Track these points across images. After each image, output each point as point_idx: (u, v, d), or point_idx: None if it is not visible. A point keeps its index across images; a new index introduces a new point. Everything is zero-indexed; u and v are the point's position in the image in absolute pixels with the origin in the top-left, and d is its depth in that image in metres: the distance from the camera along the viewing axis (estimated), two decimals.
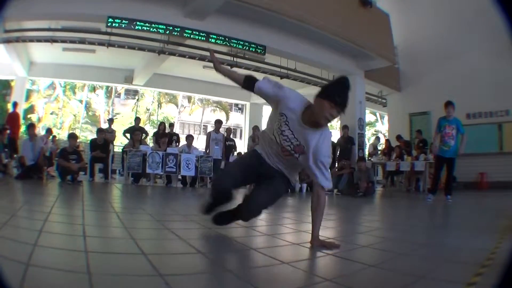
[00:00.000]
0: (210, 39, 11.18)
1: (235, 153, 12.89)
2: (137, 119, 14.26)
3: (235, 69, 10.70)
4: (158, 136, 12.30)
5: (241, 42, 11.75)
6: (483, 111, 13.81)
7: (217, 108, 36.49)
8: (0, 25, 9.97)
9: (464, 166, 11.14)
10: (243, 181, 3.22)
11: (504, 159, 13.20)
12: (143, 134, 12.96)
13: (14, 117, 13.59)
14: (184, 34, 10.91)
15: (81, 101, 34.68)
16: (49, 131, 14.28)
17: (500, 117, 13.55)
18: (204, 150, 12.14)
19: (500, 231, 3.90)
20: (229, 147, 12.32)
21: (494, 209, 7.39)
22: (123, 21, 10.13)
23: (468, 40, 14.07)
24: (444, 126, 8.14)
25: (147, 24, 10.36)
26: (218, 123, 12.33)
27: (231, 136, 13.40)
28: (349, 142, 13.25)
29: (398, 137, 14.19)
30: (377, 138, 18.08)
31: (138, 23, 10.28)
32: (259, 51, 12.05)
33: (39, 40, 13.09)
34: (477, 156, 12.31)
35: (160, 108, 36.09)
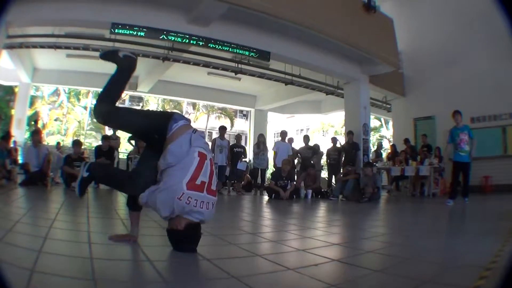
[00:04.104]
0: (213, 46, 11.21)
1: (244, 160, 12.80)
2: None
3: None
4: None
5: (245, 49, 11.73)
6: (487, 114, 13.77)
7: (222, 115, 36.56)
8: (3, 31, 9.99)
9: None
10: None
11: (508, 162, 13.13)
12: None
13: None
14: (189, 41, 10.93)
15: (85, 108, 34.80)
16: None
17: (504, 120, 13.50)
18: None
19: (504, 234, 3.88)
20: (237, 154, 12.23)
21: (498, 213, 7.35)
22: (127, 29, 10.17)
23: (472, 44, 14.05)
24: (458, 134, 8.71)
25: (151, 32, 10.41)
26: (223, 129, 12.32)
27: (241, 143, 13.27)
28: (354, 148, 13.21)
29: (406, 141, 14.17)
30: (379, 145, 18.00)
31: (142, 31, 10.31)
32: (263, 57, 12.03)
33: (42, 46, 13.11)
34: (481, 160, 12.22)
35: None
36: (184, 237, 2.70)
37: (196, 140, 2.77)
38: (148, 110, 3.23)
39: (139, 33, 10.32)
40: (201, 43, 11.08)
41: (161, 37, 10.71)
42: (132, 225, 3.03)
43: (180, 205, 2.58)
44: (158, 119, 2.93)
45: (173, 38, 10.80)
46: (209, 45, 11.15)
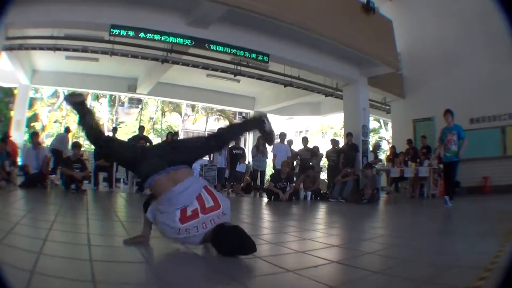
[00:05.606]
0: (213, 47, 11.18)
1: (243, 163, 12.78)
2: (141, 128, 14.29)
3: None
4: None
5: (244, 51, 11.70)
6: (486, 115, 13.75)
7: (221, 117, 36.51)
8: (2, 32, 9.97)
9: (467, 170, 11.10)
10: None
11: (507, 163, 13.08)
12: (147, 143, 12.93)
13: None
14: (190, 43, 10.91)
15: None
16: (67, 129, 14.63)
17: (503, 120, 13.47)
18: (208, 159, 12.03)
19: (504, 235, 3.88)
20: (236, 156, 12.20)
21: (498, 213, 7.36)
22: (126, 31, 10.14)
23: (471, 45, 14.03)
24: (446, 134, 8.58)
25: (149, 34, 10.37)
26: None
27: (240, 145, 13.25)
28: (353, 149, 13.19)
29: (409, 142, 14.19)
30: (377, 146, 17.91)
31: (142, 33, 10.28)
32: (262, 59, 12.02)
33: (41, 48, 13.07)
34: (480, 160, 12.26)
35: (164, 117, 36.16)
36: (222, 240, 2.74)
37: (176, 200, 2.74)
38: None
39: (138, 35, 10.29)
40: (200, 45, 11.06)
41: (160, 39, 10.68)
42: (145, 226, 3.03)
43: (183, 236, 2.69)
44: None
45: (172, 40, 10.77)
46: (208, 46, 11.10)
